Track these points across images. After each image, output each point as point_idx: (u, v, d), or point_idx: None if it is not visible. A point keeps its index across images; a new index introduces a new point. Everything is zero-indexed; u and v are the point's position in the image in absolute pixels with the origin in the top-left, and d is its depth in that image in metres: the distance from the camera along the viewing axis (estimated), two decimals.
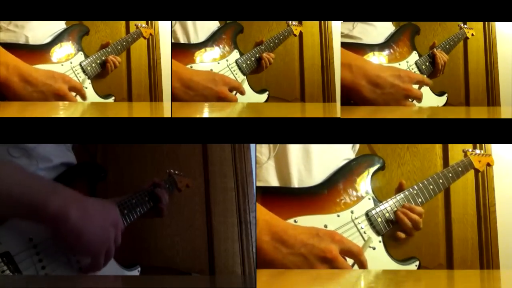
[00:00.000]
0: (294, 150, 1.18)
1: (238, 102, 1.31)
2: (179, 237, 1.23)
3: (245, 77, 1.32)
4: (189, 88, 1.26)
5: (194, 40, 1.32)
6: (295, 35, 1.35)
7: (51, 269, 1.03)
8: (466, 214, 1.22)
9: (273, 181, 1.16)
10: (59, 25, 1.30)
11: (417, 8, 1.25)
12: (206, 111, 1.26)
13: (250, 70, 1.33)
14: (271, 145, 1.17)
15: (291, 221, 1.08)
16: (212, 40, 1.33)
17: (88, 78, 1.29)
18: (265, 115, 1.25)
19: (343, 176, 1.14)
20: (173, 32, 1.29)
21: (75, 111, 1.26)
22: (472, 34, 1.33)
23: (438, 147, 1.24)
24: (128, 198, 1.15)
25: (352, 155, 1.21)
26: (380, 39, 1.33)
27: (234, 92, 1.30)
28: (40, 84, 1.23)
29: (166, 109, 1.26)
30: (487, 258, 1.20)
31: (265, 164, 1.15)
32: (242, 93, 1.29)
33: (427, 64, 1.32)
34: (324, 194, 1.12)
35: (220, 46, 1.32)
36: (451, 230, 1.21)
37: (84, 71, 1.29)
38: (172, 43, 1.28)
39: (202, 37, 1.32)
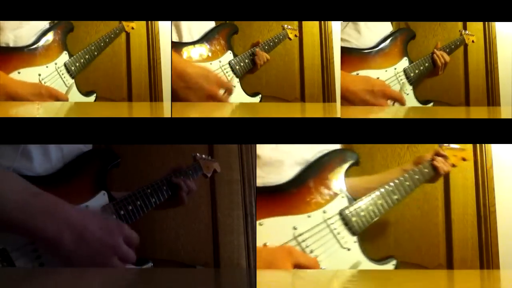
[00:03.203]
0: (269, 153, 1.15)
1: (238, 102, 1.31)
2: (184, 230, 1.23)
3: (237, 79, 1.31)
4: (181, 79, 1.24)
5: (187, 39, 1.30)
6: (290, 38, 1.34)
7: (49, 266, 1.04)
8: (466, 214, 1.22)
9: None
10: (43, 23, 1.28)
11: (417, 8, 1.25)
12: (205, 111, 1.26)
13: (244, 72, 1.32)
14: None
15: (256, 223, 1.04)
16: (205, 39, 1.31)
17: (72, 77, 1.28)
18: (265, 115, 1.25)
19: (314, 172, 1.08)
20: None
21: (75, 111, 1.26)
22: (473, 41, 1.32)
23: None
24: (142, 188, 1.15)
25: (327, 146, 1.16)
26: (371, 43, 1.32)
27: (224, 91, 1.27)
28: (25, 100, 1.22)
29: (166, 109, 1.26)
30: (487, 258, 1.20)
31: None
32: (231, 92, 1.27)
33: (421, 68, 1.32)
34: (294, 193, 1.07)
35: (213, 46, 1.30)
36: (451, 230, 1.21)
37: (68, 71, 1.27)
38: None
39: (195, 36, 1.31)
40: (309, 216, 1.04)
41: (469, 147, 1.17)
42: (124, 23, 1.30)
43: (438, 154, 1.13)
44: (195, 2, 1.23)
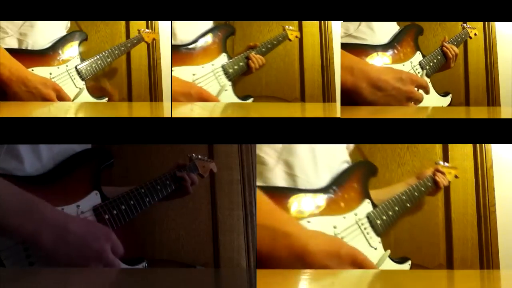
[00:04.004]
0: (300, 153, 1.18)
1: (238, 102, 1.31)
2: (184, 230, 1.23)
3: (230, 82, 1.30)
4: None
5: (180, 41, 1.29)
6: (290, 39, 1.34)
7: (39, 265, 1.03)
8: (466, 214, 1.22)
9: (281, 184, 1.17)
10: (60, 32, 1.31)
11: (417, 8, 1.25)
12: (205, 111, 1.26)
13: (237, 75, 1.31)
14: (278, 148, 1.17)
15: (304, 221, 1.12)
16: (199, 41, 1.30)
17: (83, 80, 1.30)
18: (265, 115, 1.25)
19: (346, 179, 1.18)
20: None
21: (74, 111, 1.26)
22: (475, 34, 1.33)
23: (438, 147, 1.24)
24: (136, 188, 1.16)
25: (347, 157, 1.22)
26: (384, 39, 1.33)
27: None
28: (32, 87, 1.25)
29: (166, 109, 1.26)
30: (487, 258, 1.20)
31: (275, 168, 1.16)
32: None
33: (435, 61, 1.33)
34: (331, 198, 1.16)
35: (208, 48, 1.29)
36: (451, 230, 1.21)
37: (79, 74, 1.30)
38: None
39: (190, 38, 1.30)
40: (344, 218, 1.14)
41: (459, 165, 1.24)
42: (144, 34, 1.30)
43: (438, 170, 1.23)
44: (195, 2, 1.23)
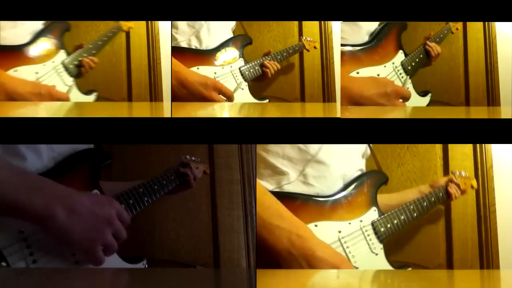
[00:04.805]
0: (319, 166, 1.20)
1: (238, 102, 1.31)
2: (184, 230, 1.23)
3: (246, 82, 1.34)
4: (183, 86, 1.28)
5: (205, 47, 1.34)
6: (307, 50, 1.35)
7: (42, 263, 1.03)
8: (466, 214, 1.22)
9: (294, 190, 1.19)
10: (38, 23, 1.27)
11: (416, 8, 1.25)
12: (206, 111, 1.26)
13: (252, 77, 1.35)
14: (300, 163, 1.19)
15: (311, 224, 1.14)
16: (220, 48, 1.35)
17: (71, 76, 1.29)
18: (265, 115, 1.25)
19: (356, 188, 1.20)
20: (187, 40, 1.33)
21: (74, 111, 1.26)
22: (457, 29, 1.32)
23: (438, 147, 1.24)
24: (134, 187, 1.16)
25: (362, 165, 1.23)
26: (363, 37, 1.32)
27: (223, 97, 1.31)
28: (24, 98, 1.23)
29: (166, 109, 1.26)
30: (487, 258, 1.20)
31: (295, 181, 1.18)
32: (230, 100, 1.32)
33: (417, 60, 1.32)
34: (339, 204, 1.18)
35: (226, 54, 1.35)
36: (451, 230, 1.22)
37: (66, 69, 1.28)
38: (183, 47, 1.31)
39: (213, 44, 1.35)
40: (349, 223, 1.17)
41: (459, 165, 1.24)
42: (122, 22, 1.30)
43: (452, 181, 1.22)
44: (195, 2, 1.23)
